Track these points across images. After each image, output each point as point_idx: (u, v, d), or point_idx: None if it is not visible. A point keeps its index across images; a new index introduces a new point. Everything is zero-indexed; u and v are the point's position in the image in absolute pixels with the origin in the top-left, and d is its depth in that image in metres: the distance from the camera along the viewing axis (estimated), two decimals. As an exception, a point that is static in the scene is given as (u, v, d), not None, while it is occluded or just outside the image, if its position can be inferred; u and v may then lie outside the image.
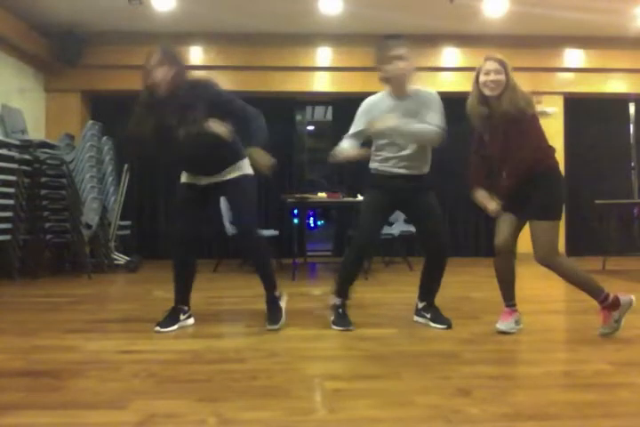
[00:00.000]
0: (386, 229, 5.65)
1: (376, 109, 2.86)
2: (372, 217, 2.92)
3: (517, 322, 2.79)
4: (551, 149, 2.74)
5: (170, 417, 1.66)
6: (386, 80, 2.84)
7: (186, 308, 2.97)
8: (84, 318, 3.18)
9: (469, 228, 7.67)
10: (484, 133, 2.80)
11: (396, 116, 2.75)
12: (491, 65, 2.66)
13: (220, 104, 2.74)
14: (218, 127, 2.65)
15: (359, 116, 2.90)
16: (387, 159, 2.91)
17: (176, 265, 2.93)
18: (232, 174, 2.88)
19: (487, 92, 2.66)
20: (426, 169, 2.99)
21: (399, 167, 2.90)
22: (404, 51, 2.78)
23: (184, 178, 2.95)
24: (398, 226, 5.79)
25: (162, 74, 2.67)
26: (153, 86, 2.72)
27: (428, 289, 3.00)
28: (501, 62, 2.66)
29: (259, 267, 2.97)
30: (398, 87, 2.84)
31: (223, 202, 4.86)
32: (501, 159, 2.73)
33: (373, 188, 2.95)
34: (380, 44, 2.83)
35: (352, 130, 2.89)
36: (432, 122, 2.79)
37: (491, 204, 2.81)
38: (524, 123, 2.64)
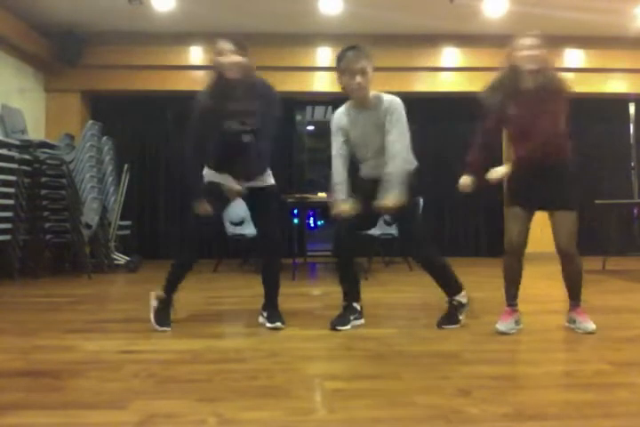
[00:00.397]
0: (386, 229, 5.64)
1: (343, 122, 2.86)
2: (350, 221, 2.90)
3: (517, 322, 2.79)
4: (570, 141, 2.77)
5: (170, 417, 1.66)
6: (344, 91, 2.81)
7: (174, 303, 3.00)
8: (83, 318, 3.18)
9: (469, 228, 7.67)
10: (505, 111, 2.76)
11: (360, 131, 2.81)
12: (530, 40, 2.69)
13: (266, 105, 2.83)
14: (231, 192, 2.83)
15: (334, 132, 2.89)
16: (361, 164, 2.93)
17: (181, 264, 2.94)
18: (266, 182, 2.96)
19: (528, 65, 2.66)
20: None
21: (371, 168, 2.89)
22: (362, 64, 2.70)
23: (211, 175, 2.92)
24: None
25: (237, 59, 2.74)
26: (225, 69, 2.74)
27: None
28: (539, 39, 2.70)
29: (275, 272, 3.02)
30: (358, 100, 2.82)
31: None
32: (524, 136, 2.70)
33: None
34: (339, 55, 2.76)
35: (335, 147, 2.87)
36: (394, 145, 2.73)
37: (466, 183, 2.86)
38: (557, 102, 2.65)
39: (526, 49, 2.68)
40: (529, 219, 2.79)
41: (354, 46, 2.76)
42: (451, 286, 2.95)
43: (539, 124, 2.64)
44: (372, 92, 2.81)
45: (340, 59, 2.76)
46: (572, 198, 2.72)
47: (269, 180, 3.00)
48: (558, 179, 2.69)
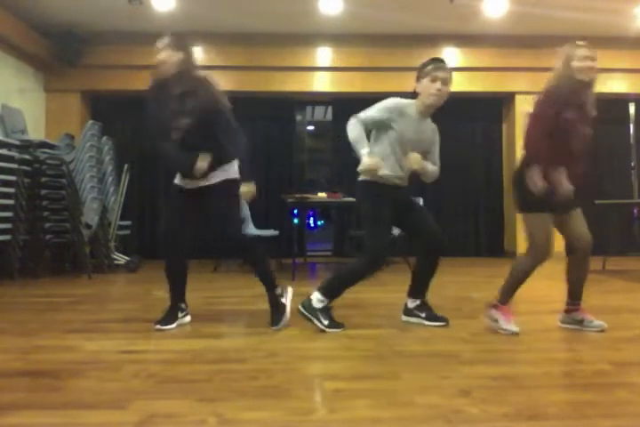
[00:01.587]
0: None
1: (403, 117, 2.81)
2: (387, 228, 2.88)
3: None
4: None
5: (170, 417, 1.66)
6: (417, 94, 2.83)
7: (183, 305, 2.99)
8: (83, 318, 3.18)
9: (469, 228, 7.68)
10: (565, 120, 2.62)
11: (418, 142, 2.86)
12: (591, 51, 2.63)
13: (211, 110, 2.76)
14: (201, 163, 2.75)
15: (385, 109, 2.80)
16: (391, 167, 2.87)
17: (165, 264, 2.93)
18: (216, 179, 2.83)
19: (586, 77, 2.61)
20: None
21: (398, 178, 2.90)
22: (447, 75, 2.80)
23: (176, 178, 2.94)
24: (398, 226, 5.78)
25: (166, 55, 2.72)
26: (156, 68, 2.75)
27: (425, 286, 2.99)
28: (594, 50, 2.65)
29: (253, 266, 2.98)
30: (427, 107, 2.83)
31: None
32: (570, 151, 2.67)
33: (379, 197, 2.87)
34: (431, 60, 2.84)
35: (370, 114, 2.79)
36: (436, 161, 2.95)
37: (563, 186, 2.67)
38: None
39: (588, 60, 2.61)
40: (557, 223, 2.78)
41: (440, 59, 2.87)
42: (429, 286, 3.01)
43: (583, 142, 2.63)
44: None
45: (426, 64, 2.82)
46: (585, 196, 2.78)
47: (220, 176, 2.85)
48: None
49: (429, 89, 2.77)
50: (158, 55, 2.74)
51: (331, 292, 2.86)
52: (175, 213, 2.89)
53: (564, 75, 2.65)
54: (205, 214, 2.88)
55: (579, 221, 2.74)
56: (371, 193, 2.86)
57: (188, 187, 2.87)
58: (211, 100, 2.76)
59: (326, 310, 2.84)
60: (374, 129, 2.86)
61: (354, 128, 2.75)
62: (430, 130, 2.92)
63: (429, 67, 2.80)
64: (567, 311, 2.84)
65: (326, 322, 2.80)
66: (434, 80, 2.76)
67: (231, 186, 2.87)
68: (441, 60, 2.84)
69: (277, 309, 2.92)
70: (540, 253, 2.69)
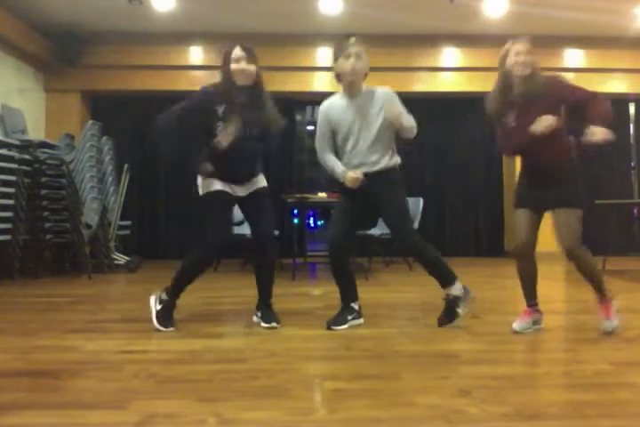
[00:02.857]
0: (386, 229, 5.63)
1: (332, 110, 2.89)
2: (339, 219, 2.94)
3: (537, 322, 2.80)
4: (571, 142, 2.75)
5: (170, 417, 1.66)
6: (337, 78, 2.87)
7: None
8: (84, 318, 3.18)
9: (469, 228, 7.68)
10: (507, 122, 2.74)
11: (351, 116, 2.82)
12: (521, 45, 2.65)
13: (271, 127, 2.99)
14: None
15: (320, 124, 2.93)
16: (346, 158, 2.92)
17: (202, 268, 2.92)
18: (260, 184, 3.00)
19: (519, 71, 2.63)
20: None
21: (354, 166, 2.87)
22: (356, 49, 2.79)
23: (217, 186, 2.90)
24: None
25: (253, 68, 2.82)
26: (239, 76, 2.81)
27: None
28: (529, 43, 2.67)
29: (271, 273, 3.03)
30: (348, 86, 2.86)
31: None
32: (525, 147, 2.69)
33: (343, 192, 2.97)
34: (336, 42, 2.87)
35: (318, 139, 2.93)
36: (405, 118, 2.79)
37: None
38: (550, 107, 2.61)
39: (516, 54, 2.64)
40: (536, 221, 2.77)
41: (349, 34, 2.86)
42: (443, 276, 2.90)
43: (542, 135, 2.61)
44: (366, 86, 2.88)
45: (336, 45, 2.86)
46: (574, 196, 2.69)
47: (263, 181, 3.05)
48: (561, 179, 2.68)
49: (345, 67, 2.79)
50: (246, 66, 2.79)
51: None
52: (227, 217, 2.96)
53: (500, 72, 2.72)
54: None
55: (559, 223, 2.67)
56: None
57: (240, 195, 2.94)
58: (275, 120, 2.97)
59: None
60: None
61: (323, 161, 2.95)
62: (363, 103, 2.85)
63: (342, 45, 2.82)
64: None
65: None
66: (347, 57, 2.79)
67: (268, 192, 3.06)
68: (349, 36, 2.85)
69: (269, 308, 2.99)
70: (515, 248, 2.83)
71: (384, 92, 2.86)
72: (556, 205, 2.69)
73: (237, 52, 2.80)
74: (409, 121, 2.82)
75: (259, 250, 3.02)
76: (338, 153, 2.95)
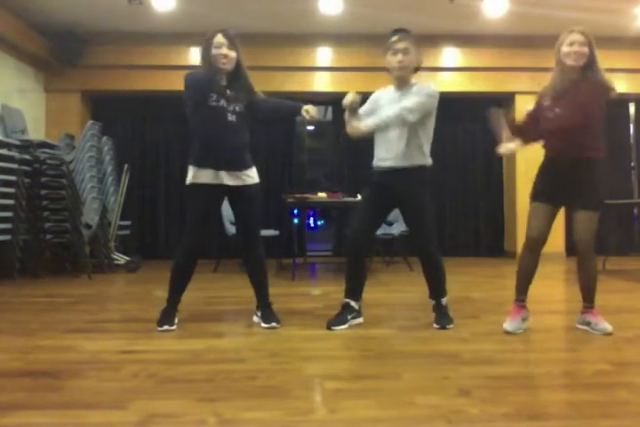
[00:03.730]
0: (386, 229, 5.64)
1: (380, 99, 2.96)
2: (363, 215, 2.96)
3: (525, 319, 2.80)
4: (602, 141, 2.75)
5: (170, 417, 1.66)
6: (388, 71, 2.92)
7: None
8: (84, 318, 3.18)
9: (469, 228, 7.67)
10: (542, 105, 2.78)
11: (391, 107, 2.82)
12: (578, 36, 2.65)
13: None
14: None
15: (368, 102, 2.99)
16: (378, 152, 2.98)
17: (190, 267, 2.96)
18: (251, 180, 2.95)
19: (571, 62, 2.65)
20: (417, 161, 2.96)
21: (384, 159, 2.92)
22: (404, 45, 2.82)
23: (203, 178, 2.86)
24: (398, 226, 5.78)
25: (233, 54, 2.87)
26: (220, 62, 2.84)
27: (429, 287, 3.00)
28: (586, 36, 2.66)
29: (263, 272, 3.07)
30: (396, 79, 2.91)
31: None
32: (556, 133, 2.71)
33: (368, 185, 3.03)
34: (387, 36, 2.90)
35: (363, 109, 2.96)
36: (403, 104, 2.79)
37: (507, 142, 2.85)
38: (592, 101, 2.62)
39: (570, 44, 2.65)
40: (552, 215, 2.78)
41: (399, 29, 2.88)
42: (440, 288, 2.97)
43: (572, 121, 2.63)
44: (414, 81, 2.92)
45: (386, 39, 2.88)
46: (596, 200, 2.69)
47: (255, 177, 2.99)
48: (585, 179, 2.67)
49: (392, 63, 2.85)
50: (227, 52, 2.84)
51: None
52: (214, 213, 3.03)
53: (556, 60, 2.73)
54: None
55: (578, 224, 2.69)
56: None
57: (229, 184, 2.91)
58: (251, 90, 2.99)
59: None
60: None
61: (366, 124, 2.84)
62: (407, 95, 2.86)
63: (389, 41, 2.85)
64: (581, 312, 2.83)
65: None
66: (395, 53, 2.83)
67: (259, 189, 3.02)
68: (399, 31, 2.88)
69: (268, 308, 3.01)
70: (527, 241, 2.83)
71: (417, 87, 2.89)
72: (577, 207, 2.70)
73: (219, 38, 2.85)
74: (375, 121, 2.79)
75: (246, 249, 3.04)
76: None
